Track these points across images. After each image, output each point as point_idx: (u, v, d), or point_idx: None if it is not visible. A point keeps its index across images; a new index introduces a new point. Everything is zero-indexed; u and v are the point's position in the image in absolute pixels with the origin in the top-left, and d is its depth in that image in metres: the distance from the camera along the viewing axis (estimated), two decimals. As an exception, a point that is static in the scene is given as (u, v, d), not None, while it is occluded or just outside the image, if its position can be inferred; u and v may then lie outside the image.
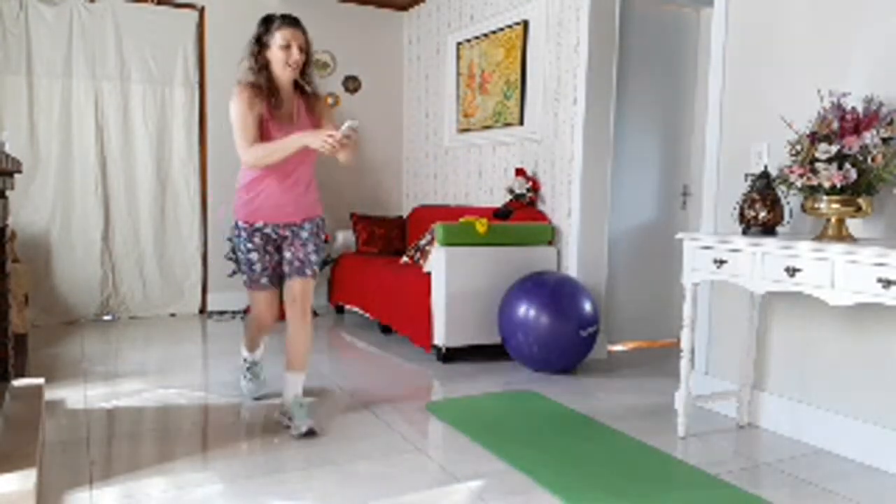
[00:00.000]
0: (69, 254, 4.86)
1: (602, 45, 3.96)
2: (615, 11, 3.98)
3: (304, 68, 2.77)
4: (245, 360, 3.22)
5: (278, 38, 2.68)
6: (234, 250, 2.81)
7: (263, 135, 2.68)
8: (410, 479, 2.32)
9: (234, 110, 2.68)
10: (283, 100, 2.76)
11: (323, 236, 2.93)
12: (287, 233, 2.83)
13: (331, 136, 2.48)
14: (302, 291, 2.82)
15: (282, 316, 3.00)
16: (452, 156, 5.39)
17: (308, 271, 2.84)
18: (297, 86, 2.80)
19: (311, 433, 2.68)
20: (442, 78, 5.51)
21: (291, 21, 2.71)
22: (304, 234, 2.84)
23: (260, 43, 2.72)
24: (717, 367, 3.18)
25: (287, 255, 2.84)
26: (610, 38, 3.99)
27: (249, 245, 2.82)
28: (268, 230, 2.81)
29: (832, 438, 2.66)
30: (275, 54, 2.69)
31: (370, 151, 6.00)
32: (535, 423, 2.90)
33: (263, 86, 2.70)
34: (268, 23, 2.72)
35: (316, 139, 2.52)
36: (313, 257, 2.86)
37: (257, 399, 3.16)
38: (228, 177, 5.24)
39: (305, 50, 2.73)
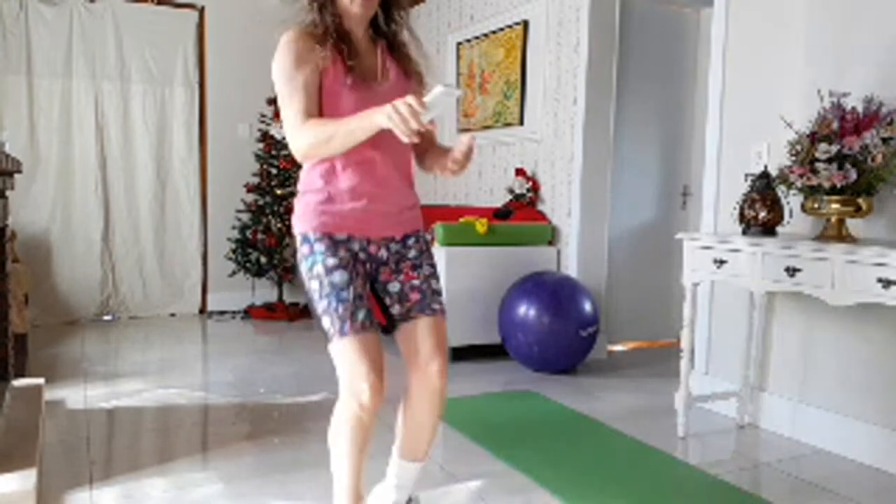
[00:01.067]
0: (69, 254, 4.86)
1: (602, 45, 3.96)
2: (615, 11, 3.98)
3: (391, 5, 1.82)
4: None
5: None
6: (307, 291, 1.73)
7: (327, 105, 1.69)
8: (410, 479, 2.31)
9: (278, 70, 1.71)
10: (358, 52, 1.76)
11: (434, 258, 1.90)
12: (383, 253, 1.79)
13: (410, 106, 1.43)
14: (433, 338, 1.78)
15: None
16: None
17: (436, 305, 1.81)
18: (381, 33, 1.82)
19: None
20: (442, 78, 5.50)
21: None
22: (412, 254, 1.82)
23: None
24: (717, 367, 3.18)
25: (393, 287, 1.80)
26: (610, 38, 3.99)
27: (332, 261, 1.67)
28: (354, 245, 1.74)
29: (832, 438, 2.65)
30: None
31: (370, 151, 5.99)
32: (534, 423, 2.90)
33: (328, 28, 1.72)
34: None
35: (390, 117, 1.45)
36: (435, 284, 1.84)
37: None
38: (228, 177, 5.26)
39: None
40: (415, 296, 1.79)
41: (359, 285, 1.70)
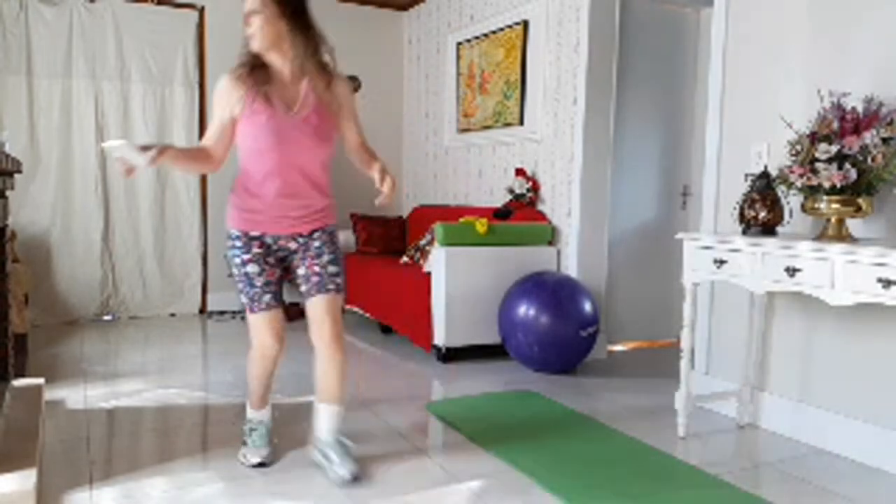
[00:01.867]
0: (69, 254, 4.87)
1: (602, 45, 3.96)
2: (615, 11, 3.98)
3: (289, 36, 2.22)
4: (250, 421, 2.49)
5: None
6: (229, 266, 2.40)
7: (251, 131, 2.20)
8: (410, 479, 2.32)
9: (212, 102, 2.28)
10: (278, 85, 2.23)
11: (340, 248, 2.43)
12: (293, 245, 2.33)
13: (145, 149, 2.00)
14: (330, 312, 2.30)
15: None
16: (452, 156, 5.39)
17: (330, 285, 2.32)
18: (320, 66, 2.29)
19: (355, 479, 2.24)
20: (442, 78, 5.51)
21: None
22: (316, 244, 2.33)
23: None
24: (717, 367, 3.18)
25: (300, 271, 2.35)
26: (610, 38, 3.99)
27: (246, 256, 2.27)
28: (268, 240, 2.30)
29: (832, 438, 2.66)
30: None
31: (370, 151, 6.00)
32: (535, 423, 2.90)
33: (246, 72, 2.21)
34: None
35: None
36: (333, 268, 2.33)
37: (263, 465, 2.41)
38: (228, 177, 5.24)
39: (272, 8, 2.17)
40: (315, 279, 2.32)
41: (268, 274, 2.30)
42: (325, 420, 2.36)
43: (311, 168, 2.29)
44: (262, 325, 2.31)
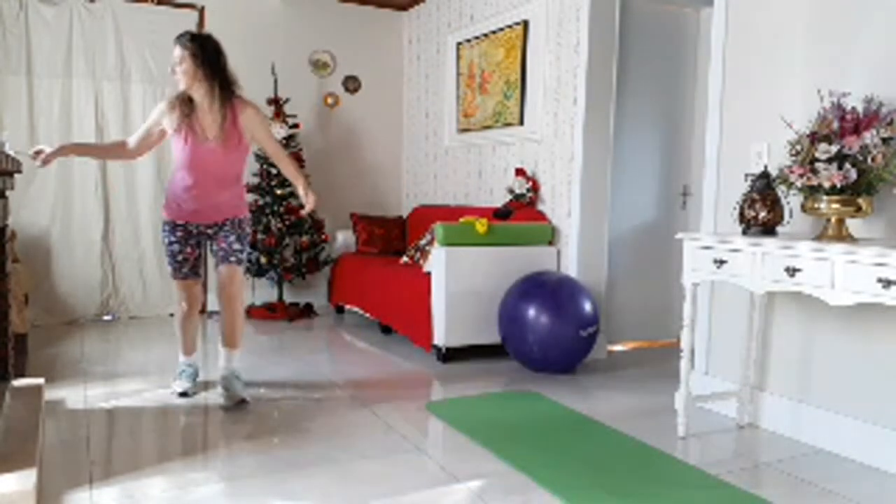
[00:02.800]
0: (69, 254, 4.86)
1: (602, 45, 3.96)
2: (615, 11, 3.98)
3: (205, 78, 2.99)
4: (180, 364, 3.32)
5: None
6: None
7: (176, 149, 3.07)
8: (410, 479, 2.32)
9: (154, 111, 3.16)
10: (199, 114, 3.03)
11: (248, 231, 3.19)
12: (210, 230, 3.14)
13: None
14: (228, 277, 3.11)
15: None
16: (452, 156, 5.39)
17: (232, 258, 3.11)
18: (229, 101, 3.05)
19: (243, 402, 3.05)
20: (442, 78, 5.51)
21: (177, 38, 3.02)
22: (226, 228, 3.13)
23: None
24: (717, 367, 3.18)
25: (213, 247, 3.17)
26: (610, 38, 3.99)
27: (171, 238, 3.11)
28: (191, 227, 3.12)
29: (832, 438, 2.66)
30: None
31: (370, 151, 6.01)
32: (534, 423, 2.90)
33: (175, 103, 3.04)
34: None
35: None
36: (236, 246, 3.12)
37: (186, 395, 3.18)
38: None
39: (190, 59, 2.96)
40: (221, 253, 3.14)
41: (186, 253, 3.13)
42: (224, 359, 3.17)
43: (222, 178, 3.07)
44: (179, 290, 3.20)
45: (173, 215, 3.10)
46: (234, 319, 3.14)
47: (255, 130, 3.10)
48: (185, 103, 3.02)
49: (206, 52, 2.99)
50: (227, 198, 3.11)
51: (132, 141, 3.14)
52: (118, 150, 3.17)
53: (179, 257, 3.12)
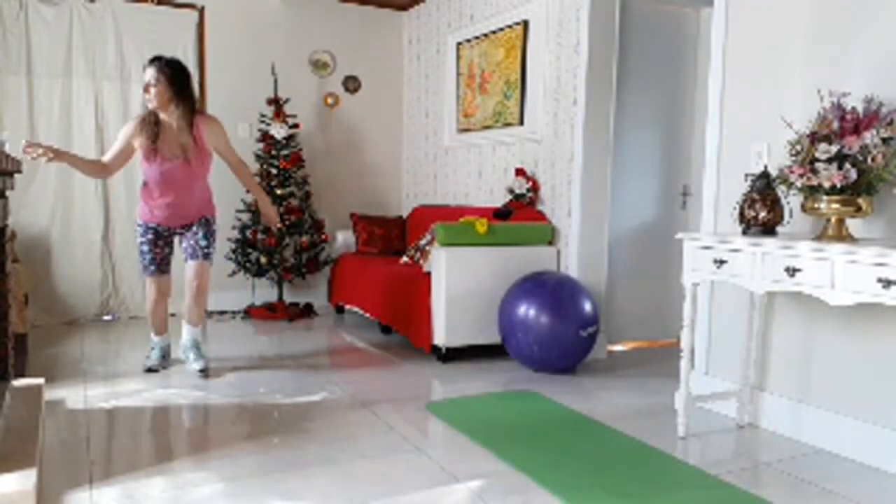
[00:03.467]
0: (69, 254, 4.86)
1: (602, 45, 3.96)
2: (615, 11, 3.98)
3: (175, 100, 3.32)
4: (152, 342, 3.74)
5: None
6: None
7: (146, 167, 3.39)
8: (410, 479, 2.32)
9: (121, 132, 3.44)
10: (166, 134, 3.36)
11: (214, 228, 3.60)
12: (180, 230, 3.55)
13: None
14: (196, 272, 3.53)
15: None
16: (452, 156, 5.39)
17: (199, 254, 3.51)
18: (191, 121, 3.39)
19: (203, 371, 3.52)
20: (442, 78, 5.51)
21: (152, 61, 3.34)
22: (195, 228, 3.53)
23: None
24: (717, 367, 3.18)
25: (183, 244, 3.56)
26: (610, 38, 3.99)
27: (144, 238, 3.50)
28: (161, 229, 3.51)
29: (832, 438, 2.66)
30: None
31: (370, 151, 6.01)
32: (535, 423, 2.90)
33: (144, 122, 3.34)
34: None
35: None
36: (203, 242, 3.52)
37: (153, 371, 3.58)
38: (228, 177, 5.24)
39: (164, 82, 3.28)
40: (190, 249, 3.54)
41: (156, 252, 3.52)
42: (186, 333, 3.67)
43: (191, 188, 3.45)
44: (150, 284, 3.58)
45: (146, 218, 3.48)
46: (200, 306, 3.60)
47: (217, 143, 3.48)
48: (151, 125, 3.33)
49: (179, 77, 3.31)
50: (196, 202, 3.51)
51: (107, 159, 3.38)
52: (97, 168, 3.40)
53: (150, 255, 3.50)
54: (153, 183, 3.39)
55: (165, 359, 3.69)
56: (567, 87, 4.09)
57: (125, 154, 3.39)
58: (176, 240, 3.63)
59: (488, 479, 2.32)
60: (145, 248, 3.49)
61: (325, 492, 2.21)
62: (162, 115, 3.35)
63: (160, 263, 3.54)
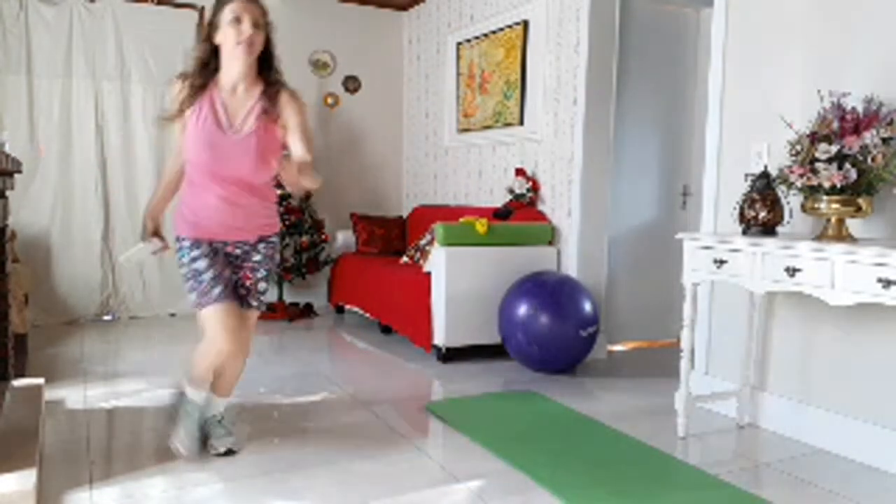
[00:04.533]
0: (69, 254, 4.86)
1: (602, 45, 3.96)
2: (615, 11, 3.98)
3: (266, 57, 2.30)
4: (190, 401, 2.41)
5: (227, 12, 2.19)
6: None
7: (188, 144, 2.25)
8: (410, 479, 2.32)
9: (169, 106, 2.28)
10: (225, 101, 2.26)
11: (277, 259, 2.64)
12: (238, 251, 2.38)
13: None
14: (249, 322, 2.42)
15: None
16: (452, 156, 5.39)
17: (254, 302, 2.43)
18: (266, 83, 2.30)
19: (232, 452, 2.47)
20: (442, 78, 5.51)
21: None
22: (257, 258, 2.40)
23: (211, 26, 2.25)
24: (717, 367, 3.18)
25: (235, 278, 2.40)
26: (610, 38, 3.98)
27: (195, 253, 2.27)
28: (216, 245, 2.35)
29: (832, 438, 2.65)
30: (224, 34, 2.20)
31: (370, 151, 6.00)
32: (535, 423, 2.90)
33: (196, 81, 2.24)
34: (219, 2, 2.25)
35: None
36: (262, 286, 2.44)
37: (182, 451, 2.40)
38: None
39: (264, 30, 2.27)
40: (242, 291, 2.40)
41: (217, 267, 2.28)
42: (213, 408, 2.52)
43: (253, 184, 2.32)
44: (213, 320, 2.23)
45: (193, 232, 2.31)
46: (238, 370, 2.48)
47: (289, 124, 2.26)
48: (210, 84, 2.26)
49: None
50: (263, 214, 2.40)
51: (178, 162, 2.39)
52: (179, 181, 2.41)
53: (208, 274, 2.26)
54: (201, 163, 2.27)
55: (203, 430, 2.48)
56: (567, 87, 4.09)
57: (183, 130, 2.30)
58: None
59: (488, 479, 2.32)
60: (200, 264, 2.27)
61: (325, 492, 2.21)
62: (239, 70, 2.24)
63: (225, 286, 2.29)
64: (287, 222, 5.06)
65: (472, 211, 4.61)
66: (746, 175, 2.95)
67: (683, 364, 2.78)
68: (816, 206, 2.40)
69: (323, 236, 5.29)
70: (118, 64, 4.93)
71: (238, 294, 2.37)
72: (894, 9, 2.48)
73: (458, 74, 5.23)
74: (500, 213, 4.26)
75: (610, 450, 2.61)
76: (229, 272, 2.35)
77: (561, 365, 3.66)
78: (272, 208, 2.46)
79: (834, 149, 2.32)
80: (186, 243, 2.30)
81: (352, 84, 5.85)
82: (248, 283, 2.39)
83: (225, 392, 2.53)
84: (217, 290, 2.24)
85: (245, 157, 2.24)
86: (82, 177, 4.87)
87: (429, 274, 4.01)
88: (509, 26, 4.59)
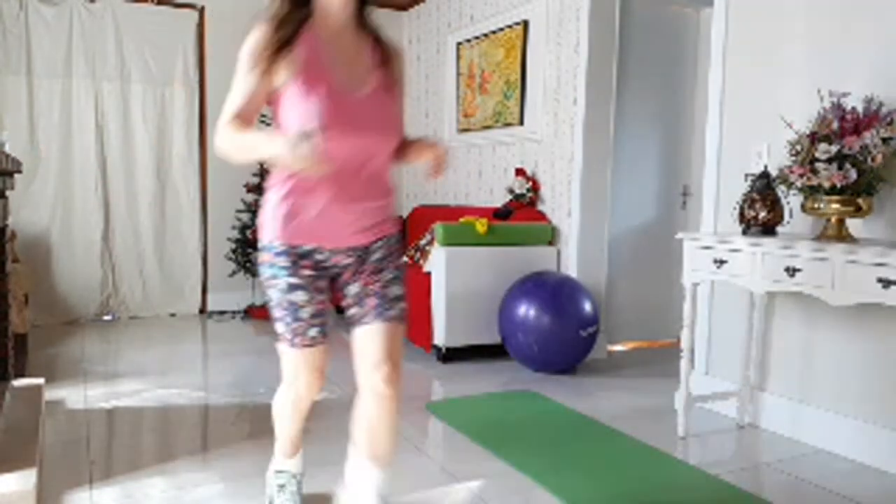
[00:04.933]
0: (69, 254, 4.86)
1: (602, 45, 3.96)
2: (615, 11, 3.98)
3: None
4: (280, 472, 2.05)
5: None
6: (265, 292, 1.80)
7: (298, 111, 1.59)
8: (410, 479, 2.32)
9: (240, 60, 1.69)
10: (337, 54, 1.66)
11: (403, 259, 2.01)
12: (349, 260, 1.75)
13: (312, 147, 1.39)
14: (386, 344, 1.75)
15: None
16: (452, 156, 5.39)
17: (392, 311, 1.78)
18: (364, 24, 1.78)
19: None
20: (442, 78, 5.51)
21: None
22: (376, 256, 1.77)
23: None
24: (717, 367, 3.18)
25: (352, 289, 1.79)
26: (610, 38, 3.99)
27: (293, 280, 1.69)
28: (321, 257, 1.71)
29: (832, 438, 2.65)
30: None
31: (370, 151, 6.00)
32: (534, 422, 2.90)
33: (294, 18, 1.62)
34: None
35: (292, 150, 1.39)
36: (395, 290, 1.80)
37: None
38: (228, 177, 5.24)
39: None
40: (371, 301, 1.77)
41: (318, 302, 1.74)
42: (371, 486, 1.77)
43: (376, 161, 1.69)
44: (302, 365, 1.78)
45: (293, 236, 1.68)
46: (392, 418, 1.78)
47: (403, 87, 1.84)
48: (311, 27, 1.65)
49: None
50: (381, 201, 1.75)
51: (249, 126, 1.62)
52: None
53: (307, 311, 1.72)
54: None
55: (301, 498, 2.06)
56: (567, 87, 4.09)
57: (260, 101, 1.67)
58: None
59: (488, 479, 2.32)
60: (299, 296, 1.71)
61: (325, 492, 2.21)
62: (333, 10, 1.67)
63: (324, 324, 1.79)
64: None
65: (472, 211, 4.61)
66: (746, 175, 2.95)
67: (683, 364, 2.78)
68: (816, 206, 2.41)
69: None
70: (118, 64, 4.93)
71: (363, 310, 1.77)
72: (894, 9, 2.48)
73: (458, 74, 5.23)
74: (500, 213, 4.26)
75: (610, 450, 2.61)
76: (329, 301, 1.81)
77: (561, 365, 3.66)
78: (392, 200, 1.81)
79: (834, 149, 2.32)
80: (281, 260, 1.68)
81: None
82: (372, 286, 1.76)
83: (376, 454, 1.79)
84: (314, 332, 1.75)
85: (374, 121, 1.66)
86: (82, 177, 4.87)
87: (429, 274, 4.01)
88: (509, 26, 4.59)
